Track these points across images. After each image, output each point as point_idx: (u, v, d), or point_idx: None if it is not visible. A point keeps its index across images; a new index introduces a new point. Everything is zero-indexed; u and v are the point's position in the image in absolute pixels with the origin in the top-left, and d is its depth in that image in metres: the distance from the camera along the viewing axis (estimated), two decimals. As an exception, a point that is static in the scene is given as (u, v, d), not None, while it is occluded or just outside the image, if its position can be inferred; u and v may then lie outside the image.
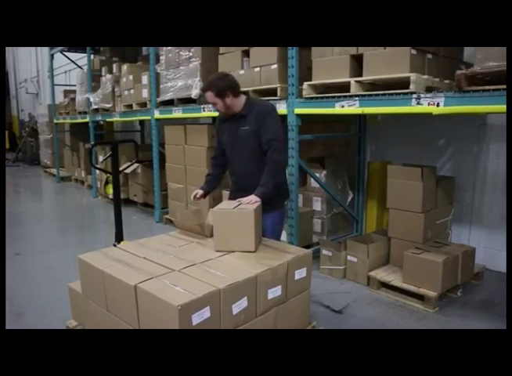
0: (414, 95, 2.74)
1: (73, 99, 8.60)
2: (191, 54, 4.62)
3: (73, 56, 9.17)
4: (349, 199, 4.55)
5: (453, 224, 3.87)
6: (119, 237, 3.62)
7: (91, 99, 7.20)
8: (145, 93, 5.60)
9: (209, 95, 2.57)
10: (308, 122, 3.66)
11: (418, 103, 2.73)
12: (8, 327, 2.51)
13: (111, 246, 2.66)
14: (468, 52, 3.35)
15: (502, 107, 2.29)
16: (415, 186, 3.37)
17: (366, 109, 3.04)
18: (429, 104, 2.68)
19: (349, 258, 3.61)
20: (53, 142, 9.92)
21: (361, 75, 3.07)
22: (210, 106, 4.07)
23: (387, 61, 2.90)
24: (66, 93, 9.69)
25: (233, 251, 2.29)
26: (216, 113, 2.83)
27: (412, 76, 2.71)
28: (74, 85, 8.66)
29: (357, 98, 3.06)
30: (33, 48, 14.56)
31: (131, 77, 5.93)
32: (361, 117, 4.50)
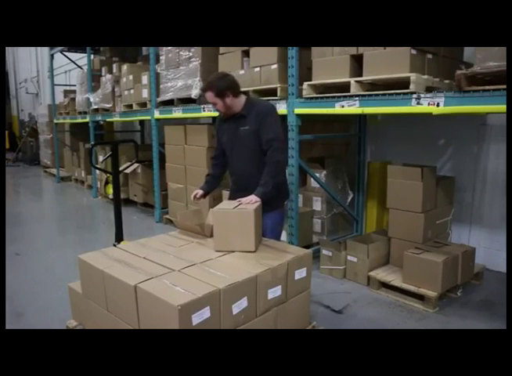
0: (414, 95, 2.74)
1: (73, 99, 8.60)
2: (191, 54, 4.62)
3: (73, 56, 9.18)
4: (349, 199, 4.55)
5: (453, 224, 3.87)
6: (119, 237, 3.62)
7: (91, 99, 7.20)
8: (145, 93, 5.60)
9: (209, 95, 2.57)
10: (308, 122, 3.66)
11: (418, 103, 2.73)
12: (8, 327, 2.51)
13: (111, 246, 2.66)
14: (468, 52, 3.35)
15: (502, 107, 2.29)
16: (415, 186, 3.37)
17: (366, 109, 3.04)
18: (429, 104, 2.68)
19: (349, 258, 3.61)
20: (53, 142, 9.92)
21: (361, 75, 3.07)
22: (210, 106, 4.07)
23: (387, 61, 2.90)
24: (66, 93, 9.70)
25: (233, 251, 2.29)
26: (216, 113, 2.83)
27: (412, 76, 2.71)
28: (74, 85, 8.66)
29: (357, 98, 3.06)
30: (33, 48, 14.56)
31: (131, 77, 5.93)
32: (361, 117, 4.50)
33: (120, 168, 4.19)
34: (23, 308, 3.15)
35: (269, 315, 2.09)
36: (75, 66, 9.33)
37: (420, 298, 3.10)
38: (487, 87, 2.40)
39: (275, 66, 3.69)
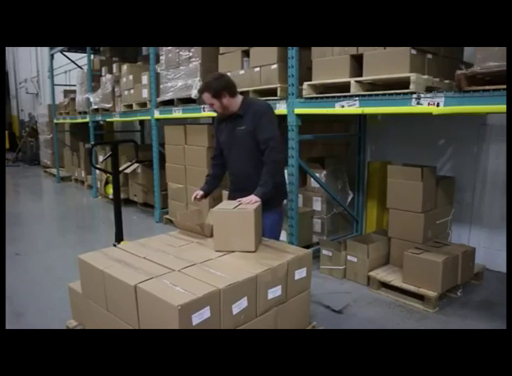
0: (414, 95, 2.74)
1: (73, 99, 8.60)
2: (191, 54, 4.62)
3: (73, 56, 9.18)
4: (349, 199, 4.55)
5: (453, 224, 3.87)
6: (119, 237, 3.62)
7: (91, 99, 7.20)
8: (145, 93, 5.60)
9: (206, 96, 2.59)
10: (308, 122, 3.66)
11: (418, 103, 2.73)
12: (8, 327, 2.51)
13: (111, 246, 2.66)
14: (468, 52, 3.35)
15: (502, 107, 2.29)
16: (415, 186, 3.37)
17: (366, 109, 3.04)
18: (429, 104, 2.68)
19: (349, 258, 3.61)
20: (53, 142, 9.92)
21: (361, 75, 3.07)
22: (210, 106, 4.07)
23: (387, 61, 2.90)
24: (66, 93, 9.70)
25: (233, 251, 2.29)
26: (215, 114, 2.83)
27: (412, 76, 2.71)
28: (74, 85, 8.66)
29: (357, 98, 3.06)
30: (33, 48, 14.56)
31: (131, 77, 5.93)
32: (361, 117, 4.50)
33: (120, 168, 4.19)
34: (23, 308, 3.15)
35: (269, 315, 2.09)
36: (75, 66, 9.33)
37: (420, 298, 3.10)
38: (487, 87, 2.40)
39: (275, 66, 3.69)
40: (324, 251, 3.75)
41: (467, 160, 3.93)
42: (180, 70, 4.80)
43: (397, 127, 4.40)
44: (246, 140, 2.60)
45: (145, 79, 5.60)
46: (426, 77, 2.83)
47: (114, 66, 6.89)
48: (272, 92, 3.71)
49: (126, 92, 6.11)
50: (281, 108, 3.61)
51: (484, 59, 2.36)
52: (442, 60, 3.12)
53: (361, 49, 3.06)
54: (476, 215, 3.93)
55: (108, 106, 6.76)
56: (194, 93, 4.52)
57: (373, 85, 3.11)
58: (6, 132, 15.33)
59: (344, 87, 3.12)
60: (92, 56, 8.02)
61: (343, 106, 3.16)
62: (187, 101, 4.81)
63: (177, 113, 4.95)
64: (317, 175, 4.13)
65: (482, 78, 2.49)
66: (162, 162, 5.62)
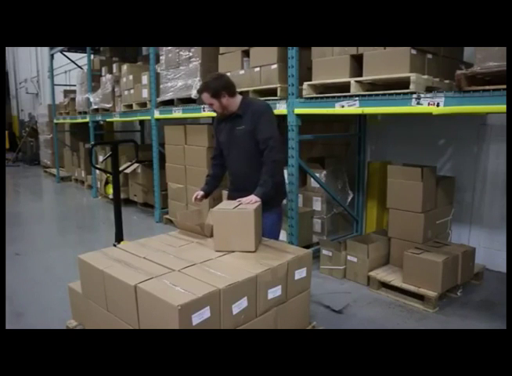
0: (414, 95, 2.74)
1: (73, 99, 8.61)
2: (191, 54, 4.62)
3: (73, 56, 9.18)
4: (349, 199, 4.55)
5: (453, 224, 3.87)
6: (119, 237, 3.62)
7: (91, 99, 7.20)
8: (145, 93, 5.60)
9: (205, 96, 2.59)
10: (308, 122, 3.66)
11: (418, 103, 2.73)
12: (8, 327, 2.51)
13: (111, 246, 2.66)
14: (468, 52, 3.35)
15: (502, 107, 2.29)
16: (415, 186, 3.37)
17: (366, 109, 3.04)
18: (429, 104, 2.68)
19: (349, 258, 3.61)
20: (53, 142, 9.92)
21: (361, 75, 3.07)
22: (210, 106, 4.08)
23: (387, 61, 2.90)
24: (66, 93, 9.70)
25: (233, 251, 2.29)
26: (215, 114, 2.84)
27: (412, 76, 2.71)
28: (74, 85, 8.66)
29: (357, 98, 3.06)
30: (33, 48, 14.56)
31: (131, 77, 5.93)
32: (361, 117, 4.50)
33: (120, 168, 4.19)
34: (23, 308, 3.15)
35: (269, 315, 2.09)
36: (75, 66, 9.33)
37: (420, 298, 3.10)
38: (487, 87, 2.40)
39: (275, 66, 3.69)
40: (324, 251, 3.75)
41: (467, 160, 3.93)
42: (180, 70, 4.80)
43: (397, 127, 4.40)
44: (246, 140, 2.61)
45: (145, 79, 5.60)
46: (426, 77, 2.83)
47: (114, 66, 6.89)
48: (272, 92, 3.71)
49: (126, 92, 6.11)
50: (281, 108, 3.61)
51: (484, 59, 2.36)
52: (442, 60, 3.12)
53: (361, 49, 3.06)
54: (476, 215, 3.93)
55: (108, 106, 6.76)
56: (194, 93, 4.52)
57: (373, 85, 3.11)
58: (6, 132, 15.33)
59: (344, 87, 3.12)
60: (92, 56, 8.02)
61: (343, 106, 3.16)
62: (187, 101, 4.81)
63: (177, 113, 4.95)
64: (317, 175, 4.13)
65: (482, 78, 2.49)
66: (162, 162, 5.61)
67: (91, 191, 7.82)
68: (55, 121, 9.59)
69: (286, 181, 3.56)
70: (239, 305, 1.90)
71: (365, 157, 4.62)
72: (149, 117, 5.61)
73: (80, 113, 8.18)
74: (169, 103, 5.14)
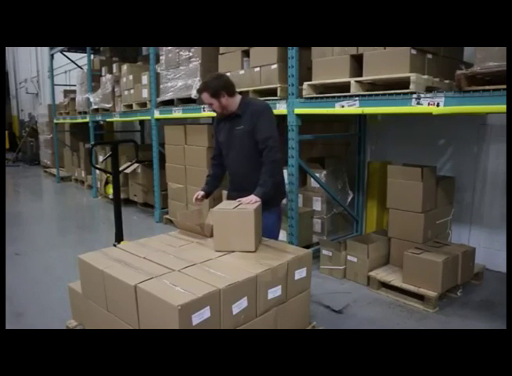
0: (414, 95, 2.74)
1: (73, 99, 8.60)
2: (191, 54, 4.62)
3: (73, 56, 9.18)
4: (349, 199, 4.55)
5: (453, 224, 3.87)
6: (119, 237, 3.62)
7: (91, 99, 7.20)
8: (145, 93, 5.60)
9: (205, 96, 2.60)
10: (308, 122, 3.66)
11: (418, 103, 2.73)
12: (8, 327, 2.51)
13: (111, 246, 2.66)
14: (468, 52, 3.35)
15: (502, 107, 2.29)
16: (415, 186, 3.37)
17: (366, 109, 3.04)
18: (429, 104, 2.68)
19: (349, 258, 3.61)
20: (53, 142, 9.92)
21: (361, 75, 3.07)
22: (210, 106, 4.08)
23: (387, 61, 2.90)
24: (66, 93, 9.70)
25: (233, 251, 2.29)
26: (215, 114, 2.84)
27: (412, 76, 2.71)
28: (74, 85, 8.66)
29: (357, 98, 3.06)
30: (33, 48, 14.56)
31: (131, 77, 5.93)
32: (361, 117, 4.50)
33: (120, 168, 4.19)
34: (23, 308, 3.15)
35: (269, 315, 2.09)
36: (75, 66, 9.33)
37: (420, 298, 3.10)
38: (487, 87, 2.40)
39: (275, 66, 3.69)
40: (324, 251, 3.75)
41: (467, 160, 3.93)
42: (180, 70, 4.80)
43: (397, 127, 4.40)
44: (245, 140, 2.61)
45: (145, 79, 5.60)
46: (426, 77, 2.83)
47: (114, 66, 6.89)
48: (272, 92, 3.71)
49: (126, 92, 6.11)
50: (281, 108, 3.61)
51: (484, 59, 2.36)
52: (442, 60, 3.12)
53: (361, 49, 3.06)
54: (476, 215, 3.93)
55: (108, 106, 6.76)
56: (194, 93, 4.52)
57: (373, 85, 3.11)
58: (6, 132, 15.33)
59: (344, 87, 3.12)
60: (92, 56, 8.03)
61: (343, 106, 3.16)
62: (187, 101, 4.81)
63: (177, 113, 4.95)
64: (317, 175, 4.13)
65: (482, 78, 2.49)
66: (162, 162, 5.61)
67: (91, 191, 7.82)
68: (55, 121, 9.59)
69: (286, 181, 3.56)
70: (239, 305, 1.90)
71: (365, 157, 4.62)
72: (149, 117, 5.61)
73: (80, 113, 8.18)
74: (169, 103, 5.14)
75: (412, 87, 2.72)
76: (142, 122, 8.44)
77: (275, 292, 2.09)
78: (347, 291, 3.40)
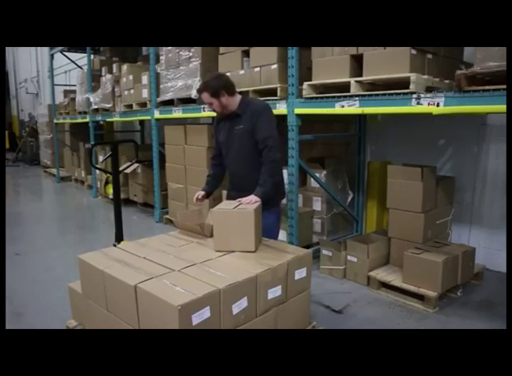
0: (414, 95, 2.74)
1: (73, 99, 8.61)
2: (191, 54, 4.62)
3: (73, 56, 9.18)
4: (349, 199, 4.55)
5: (453, 224, 3.87)
6: (119, 237, 3.62)
7: (91, 99, 7.20)
8: (145, 93, 5.60)
9: (205, 95, 2.60)
10: (308, 122, 3.66)
11: (418, 103, 2.73)
12: (8, 327, 2.51)
13: (111, 246, 2.66)
14: (468, 52, 3.35)
15: (502, 107, 2.29)
16: (415, 186, 3.37)
17: (366, 109, 3.04)
18: (429, 104, 2.68)
19: (349, 258, 3.61)
20: (53, 142, 9.92)
21: (361, 75, 3.07)
22: (210, 106, 4.08)
23: (387, 61, 2.90)
24: (66, 93, 9.70)
25: (233, 251, 2.29)
26: (215, 114, 2.84)
27: (412, 76, 2.71)
28: (74, 85, 8.66)
29: (357, 98, 3.06)
30: (33, 48, 14.56)
31: (131, 77, 5.93)
32: (361, 117, 4.50)
33: (120, 168, 4.19)
34: (23, 308, 3.15)
35: (269, 315, 2.09)
36: (75, 66, 9.33)
37: (420, 298, 3.10)
38: (487, 87, 2.40)
39: (275, 66, 3.69)
40: (324, 251, 3.75)
41: (467, 160, 3.93)
42: (180, 70, 4.80)
43: (397, 127, 4.40)
44: (244, 139, 2.61)
45: (145, 79, 5.60)
46: (426, 77, 2.83)
47: (114, 66, 6.88)
48: (272, 92, 3.71)
49: (126, 92, 6.11)
50: (281, 108, 3.61)
51: (484, 59, 2.36)
52: (442, 60, 3.12)
53: (361, 49, 3.06)
54: (476, 215, 3.93)
55: (108, 106, 6.76)
56: (194, 93, 4.52)
57: (373, 85, 3.11)
58: (6, 132, 15.33)
59: (344, 87, 3.12)
60: (92, 56, 8.03)
61: (343, 106, 3.16)
62: (187, 101, 4.81)
63: (177, 113, 4.95)
64: (317, 175, 4.13)
65: (482, 78, 2.49)
66: (162, 162, 5.61)
67: (91, 191, 7.82)
68: (55, 121, 9.59)
69: (286, 181, 3.57)
70: (239, 305, 1.90)
71: (365, 157, 4.62)
72: (149, 117, 5.61)
73: (80, 113, 8.18)
74: (169, 103, 5.14)
75: (412, 87, 2.72)
76: (142, 122, 8.44)
77: (275, 292, 2.09)
78: (347, 291, 3.40)
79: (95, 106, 7.14)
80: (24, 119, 15.78)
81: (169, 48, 4.96)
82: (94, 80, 7.35)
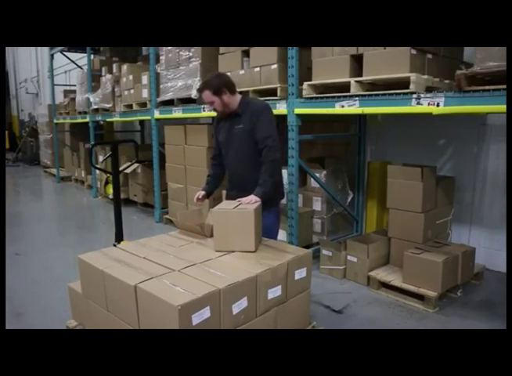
0: (414, 95, 2.74)
1: (73, 99, 8.61)
2: (191, 54, 4.62)
3: (73, 56, 9.18)
4: (349, 199, 4.55)
5: (453, 224, 3.87)
6: (119, 237, 3.62)
7: (91, 99, 7.20)
8: (145, 93, 5.60)
9: (206, 94, 2.59)
10: (308, 122, 3.66)
11: (418, 103, 2.73)
12: (8, 327, 2.51)
13: (111, 246, 2.66)
14: (468, 52, 3.35)
15: (502, 107, 2.29)
16: (415, 186, 3.37)
17: (366, 109, 3.04)
18: (429, 104, 2.68)
19: (349, 258, 3.61)
20: (53, 142, 9.92)
21: (361, 75, 3.07)
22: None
23: (387, 61, 2.90)
24: (66, 93, 9.70)
25: (233, 251, 2.29)
26: (215, 113, 2.84)
27: (412, 76, 2.71)
28: (74, 85, 8.66)
29: (357, 98, 3.06)
30: (33, 48, 14.56)
31: (131, 77, 5.93)
32: (361, 117, 4.50)
33: (120, 168, 4.19)
34: (23, 308, 3.15)
35: (269, 315, 2.09)
36: (75, 66, 9.33)
37: (420, 298, 3.10)
38: (487, 87, 2.40)
39: (275, 66, 3.69)
40: (324, 251, 3.75)
41: (467, 160, 3.93)
42: (180, 70, 4.80)
43: (397, 127, 4.40)
44: (244, 139, 2.61)
45: (145, 79, 5.60)
46: (426, 77, 2.83)
47: (114, 66, 6.89)
48: (272, 92, 3.71)
49: (126, 92, 6.11)
50: (281, 108, 3.61)
51: (484, 59, 2.36)
52: (442, 60, 3.12)
53: (361, 49, 3.06)
54: (476, 215, 3.93)
55: (108, 106, 6.76)
56: (194, 93, 4.53)
57: (373, 85, 3.11)
58: (6, 132, 15.33)
59: (344, 87, 3.12)
60: (92, 56, 8.03)
61: (343, 106, 3.16)
62: (187, 101, 4.81)
63: (177, 113, 4.95)
64: (317, 175, 4.13)
65: (482, 78, 2.49)
66: (162, 162, 5.61)
67: (91, 191, 7.82)
68: (55, 121, 9.59)
69: (287, 181, 3.57)
70: (239, 305, 1.90)
71: (365, 157, 4.62)
72: (149, 117, 5.61)
73: (80, 113, 8.18)
74: (169, 103, 5.14)
75: (412, 87, 2.72)
76: (142, 122, 8.44)
77: (275, 292, 2.09)
78: (347, 291, 3.40)
79: (95, 106, 7.14)
80: (24, 119, 15.78)
81: (169, 48, 4.96)
82: (94, 80, 7.35)
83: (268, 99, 3.62)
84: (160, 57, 5.16)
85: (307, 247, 3.77)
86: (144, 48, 7.76)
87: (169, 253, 2.29)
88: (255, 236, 2.28)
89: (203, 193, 2.81)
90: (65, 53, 8.90)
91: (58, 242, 4.98)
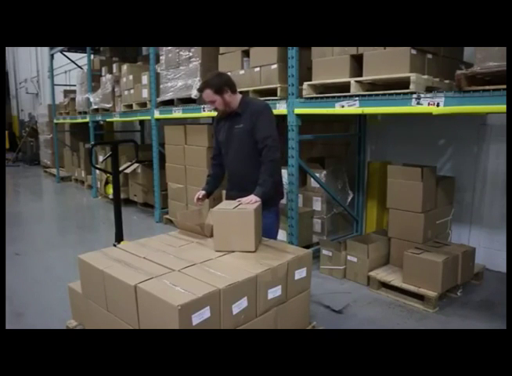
0: (414, 95, 2.74)
1: (73, 99, 8.61)
2: (191, 54, 4.62)
3: (73, 56, 9.18)
4: (349, 199, 4.55)
5: (453, 224, 3.87)
6: (119, 237, 3.62)
7: (91, 99, 7.20)
8: (145, 93, 5.60)
9: (207, 92, 2.58)
10: (308, 122, 3.66)
11: (418, 103, 2.73)
12: (8, 327, 2.52)
13: (111, 246, 2.66)
14: (468, 52, 3.35)
15: (502, 107, 2.29)
16: (415, 186, 3.37)
17: (366, 109, 3.04)
18: (429, 104, 2.68)
19: (349, 258, 3.61)
20: (53, 142, 9.92)
21: (361, 75, 3.07)
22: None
23: (387, 61, 2.90)
24: (66, 93, 9.70)
25: (233, 251, 2.29)
26: (215, 113, 2.84)
27: (412, 76, 2.71)
28: (74, 85, 8.67)
29: (357, 98, 3.06)
30: (33, 48, 14.56)
31: (131, 77, 5.93)
32: (361, 117, 4.50)
33: (120, 168, 4.19)
34: (23, 308, 3.15)
35: (269, 315, 2.09)
36: (75, 66, 9.33)
37: (420, 298, 3.10)
38: (487, 87, 2.40)
39: (275, 66, 3.69)
40: (324, 251, 3.75)
41: (467, 160, 3.93)
42: (180, 70, 4.80)
43: (397, 127, 4.40)
44: (244, 139, 2.61)
45: (145, 79, 5.60)
46: (426, 77, 2.83)
47: (114, 66, 6.89)
48: (272, 92, 3.71)
49: (126, 92, 6.11)
50: (281, 108, 3.61)
51: (484, 59, 2.36)
52: (442, 60, 3.12)
53: (361, 49, 3.06)
54: (476, 215, 3.93)
55: (108, 106, 6.76)
56: (194, 93, 4.53)
57: (373, 85, 3.11)
58: (6, 132, 15.33)
59: (344, 87, 3.12)
60: (92, 56, 8.03)
61: (343, 106, 3.16)
62: (187, 101, 4.81)
63: (177, 113, 4.95)
64: (317, 175, 4.13)
65: (482, 78, 2.49)
66: (162, 162, 5.61)
67: (91, 191, 7.82)
68: (55, 121, 9.59)
69: (287, 181, 3.57)
70: (239, 305, 1.90)
71: (365, 157, 4.62)
72: (149, 117, 5.61)
73: (80, 113, 8.18)
74: (169, 103, 5.14)
75: (412, 87, 2.72)
76: (142, 122, 8.44)
77: (275, 292, 2.09)
78: (347, 291, 3.40)
79: (95, 106, 7.14)
80: (24, 119, 15.78)
81: (169, 48, 4.96)
82: (94, 80, 7.35)
83: (268, 99, 3.62)
84: (160, 57, 5.16)
85: (307, 247, 3.77)
86: (144, 48, 7.76)
87: (169, 253, 2.29)
88: (255, 236, 2.28)
89: (203, 192, 2.81)
90: (65, 53, 8.90)
91: (58, 242, 4.98)
